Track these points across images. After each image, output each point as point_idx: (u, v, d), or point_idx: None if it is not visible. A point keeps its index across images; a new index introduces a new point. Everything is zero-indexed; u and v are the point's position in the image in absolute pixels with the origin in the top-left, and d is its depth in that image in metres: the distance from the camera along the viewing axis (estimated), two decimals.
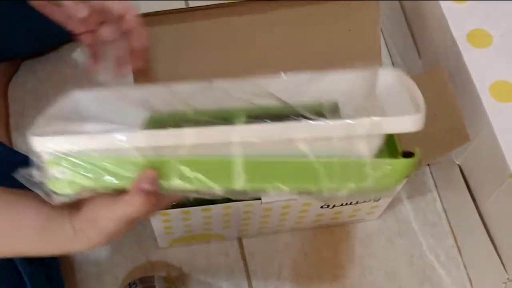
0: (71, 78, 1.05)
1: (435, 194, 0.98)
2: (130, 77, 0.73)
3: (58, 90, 1.03)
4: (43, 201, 0.56)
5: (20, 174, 0.56)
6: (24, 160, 0.93)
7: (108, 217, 0.56)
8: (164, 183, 0.56)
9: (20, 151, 0.95)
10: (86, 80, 1.04)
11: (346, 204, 0.83)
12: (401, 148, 0.60)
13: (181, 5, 1.13)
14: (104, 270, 0.90)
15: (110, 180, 0.56)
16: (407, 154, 0.58)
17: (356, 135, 0.53)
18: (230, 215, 0.82)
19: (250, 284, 0.90)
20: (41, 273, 0.75)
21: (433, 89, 0.79)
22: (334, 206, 0.83)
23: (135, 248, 0.92)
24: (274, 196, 0.76)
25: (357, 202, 0.83)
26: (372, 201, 0.84)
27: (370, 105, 0.59)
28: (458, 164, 0.87)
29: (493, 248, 0.81)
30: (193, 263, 0.91)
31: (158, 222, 0.81)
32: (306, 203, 0.82)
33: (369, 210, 0.89)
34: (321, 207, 0.83)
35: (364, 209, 0.88)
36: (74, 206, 0.58)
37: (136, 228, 0.93)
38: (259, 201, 0.76)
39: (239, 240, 0.93)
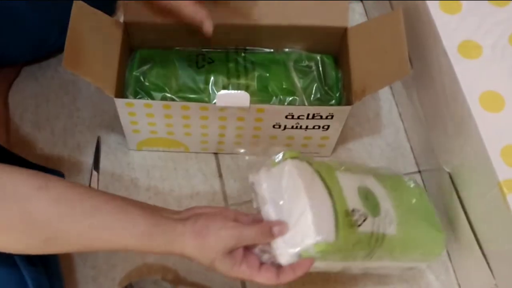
0: (71, 84, 1.06)
1: None
2: None
3: (58, 95, 1.06)
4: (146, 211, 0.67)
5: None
6: (21, 163, 0.94)
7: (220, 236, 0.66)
8: None
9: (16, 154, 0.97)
10: (85, 86, 1.06)
11: (296, 127, 0.90)
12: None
13: None
14: (100, 272, 0.92)
15: None
16: None
17: None
18: (189, 118, 0.89)
19: (244, 287, 0.92)
20: (43, 275, 0.76)
21: (388, 29, 0.88)
22: (285, 127, 0.91)
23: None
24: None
25: (306, 127, 0.90)
26: (321, 129, 0.91)
27: None
28: (448, 172, 0.88)
29: (481, 254, 0.82)
30: (189, 266, 0.92)
31: (125, 117, 0.90)
32: (258, 118, 0.89)
33: (319, 141, 0.95)
34: (273, 126, 0.91)
35: (315, 138, 0.94)
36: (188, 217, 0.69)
37: None
38: (214, 103, 0.85)
39: None
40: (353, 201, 0.71)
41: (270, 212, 0.69)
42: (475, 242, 0.83)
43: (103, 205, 0.66)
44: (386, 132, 1.05)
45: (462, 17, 0.86)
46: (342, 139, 1.03)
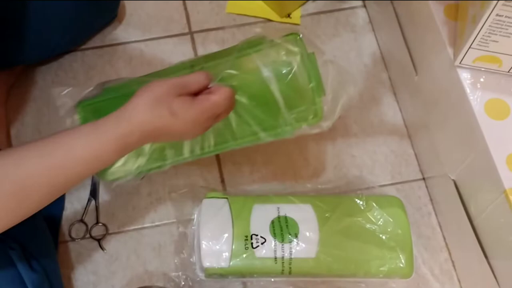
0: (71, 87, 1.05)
1: (430, 208, 0.99)
2: None
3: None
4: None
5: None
6: None
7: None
8: None
9: None
10: (86, 89, 1.05)
11: None
12: None
13: (180, 5, 1.15)
14: (101, 279, 0.91)
15: None
16: None
17: None
18: None
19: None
20: (44, 281, 0.76)
21: None
22: None
23: (132, 258, 0.93)
24: None
25: None
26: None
27: None
28: (453, 180, 0.88)
29: (486, 262, 0.82)
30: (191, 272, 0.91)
31: None
32: None
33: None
34: None
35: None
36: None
37: (134, 237, 0.94)
38: None
39: None
40: (257, 228, 0.87)
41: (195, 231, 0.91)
42: (480, 251, 0.83)
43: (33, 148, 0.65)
44: (390, 139, 1.04)
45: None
46: (346, 146, 1.03)
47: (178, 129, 0.69)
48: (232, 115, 0.78)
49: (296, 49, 0.77)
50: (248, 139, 0.82)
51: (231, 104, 0.74)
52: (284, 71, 0.77)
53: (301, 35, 0.79)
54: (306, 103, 0.79)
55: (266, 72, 0.77)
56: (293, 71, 0.77)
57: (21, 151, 0.64)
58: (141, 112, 0.66)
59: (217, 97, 0.71)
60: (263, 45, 0.79)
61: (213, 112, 0.71)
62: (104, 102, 0.82)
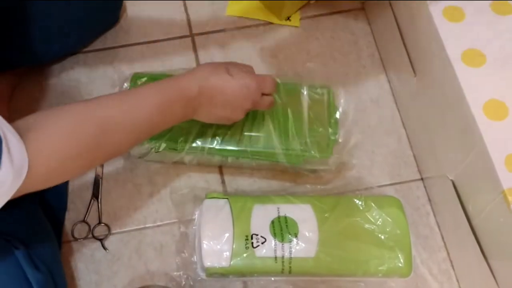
0: (73, 89, 1.06)
1: (429, 208, 0.99)
2: None
3: (60, 102, 1.06)
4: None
5: None
6: None
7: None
8: None
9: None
10: (86, 92, 1.06)
11: None
12: None
13: (180, 8, 1.15)
14: (103, 279, 0.92)
15: None
16: None
17: None
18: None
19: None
20: (48, 280, 0.77)
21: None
22: None
23: (134, 257, 0.94)
24: None
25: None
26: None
27: None
28: (451, 180, 0.89)
29: (485, 262, 0.83)
30: (192, 273, 0.92)
31: None
32: None
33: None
34: None
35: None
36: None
37: (136, 237, 0.95)
38: None
39: None
40: (258, 228, 0.88)
41: (196, 231, 0.92)
42: (478, 250, 0.83)
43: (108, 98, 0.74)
44: (389, 139, 1.05)
45: (465, 25, 0.87)
46: (345, 147, 1.03)
47: (232, 90, 0.80)
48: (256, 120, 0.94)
49: (325, 97, 0.97)
50: (260, 146, 0.94)
51: (274, 92, 0.87)
52: (313, 108, 0.96)
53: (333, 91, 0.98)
54: (322, 131, 0.95)
55: (303, 101, 0.96)
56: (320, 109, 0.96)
57: (101, 98, 0.72)
58: (202, 71, 0.80)
59: (267, 77, 0.85)
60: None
61: (262, 86, 0.84)
62: (158, 76, 0.96)
